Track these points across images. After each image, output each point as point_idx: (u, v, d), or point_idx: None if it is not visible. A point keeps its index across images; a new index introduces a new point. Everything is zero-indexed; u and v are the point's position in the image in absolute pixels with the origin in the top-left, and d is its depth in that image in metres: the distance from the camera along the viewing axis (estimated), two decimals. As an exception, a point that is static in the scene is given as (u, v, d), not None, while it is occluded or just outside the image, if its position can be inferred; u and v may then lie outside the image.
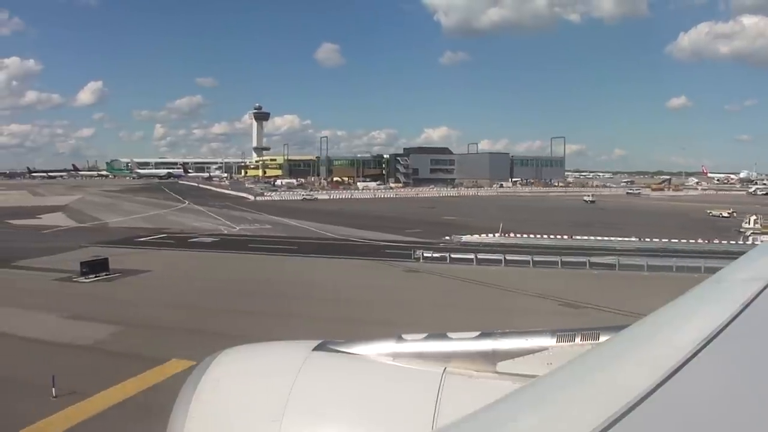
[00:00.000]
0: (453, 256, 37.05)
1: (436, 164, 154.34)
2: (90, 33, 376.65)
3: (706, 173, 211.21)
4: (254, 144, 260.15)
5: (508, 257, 35.77)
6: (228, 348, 2.65)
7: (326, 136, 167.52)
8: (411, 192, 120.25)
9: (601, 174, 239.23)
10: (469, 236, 49.04)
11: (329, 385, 2.33)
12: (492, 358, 2.28)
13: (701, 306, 1.92)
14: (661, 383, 1.20)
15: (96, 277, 29.78)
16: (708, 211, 74.07)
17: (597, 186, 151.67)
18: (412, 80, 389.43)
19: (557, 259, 35.87)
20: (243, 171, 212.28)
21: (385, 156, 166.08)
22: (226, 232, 51.57)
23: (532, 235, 48.77)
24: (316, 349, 2.50)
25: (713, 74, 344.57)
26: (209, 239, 46.25)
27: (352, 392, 2.29)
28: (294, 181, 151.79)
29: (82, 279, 29.31)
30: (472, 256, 36.72)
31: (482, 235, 49.37)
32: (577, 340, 2.24)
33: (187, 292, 27.15)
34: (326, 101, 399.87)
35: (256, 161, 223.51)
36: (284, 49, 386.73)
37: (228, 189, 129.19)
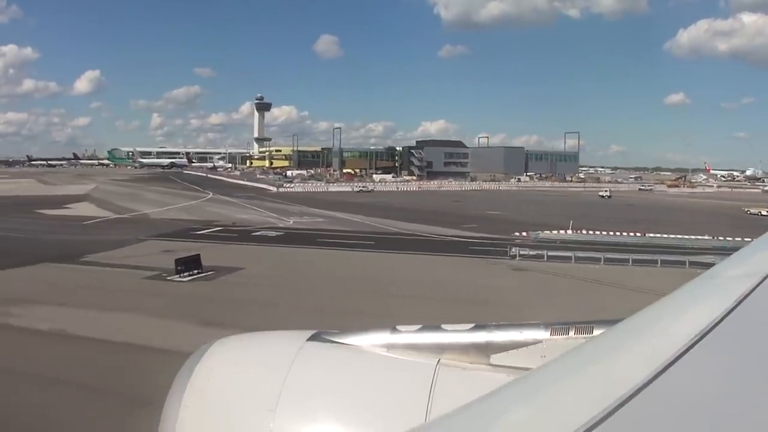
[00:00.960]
0: (550, 253, 35.34)
1: (449, 157, 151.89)
2: (88, 22, 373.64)
3: (709, 170, 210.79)
4: (255, 134, 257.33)
5: (598, 255, 34.19)
6: (223, 337, 2.61)
7: (339, 128, 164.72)
8: (432, 185, 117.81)
9: (600, 169, 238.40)
10: (540, 233, 47.29)
11: (323, 375, 2.32)
12: (486, 350, 2.26)
13: (695, 301, 1.91)
14: (655, 376, 1.20)
15: (190, 275, 27.30)
16: (745, 210, 72.68)
17: (609, 181, 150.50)
18: (410, 73, 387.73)
19: (656, 258, 34.41)
20: (248, 161, 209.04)
21: (397, 148, 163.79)
22: (281, 225, 49.02)
23: (602, 233, 47.10)
24: (310, 339, 2.47)
25: (712, 71, 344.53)
26: (273, 233, 43.66)
27: (346, 383, 2.27)
28: (305, 172, 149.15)
29: (177, 278, 26.81)
30: (569, 254, 35.16)
31: (553, 231, 47.75)
32: (571, 333, 2.24)
33: (304, 292, 24.70)
34: (324, 93, 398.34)
35: (261, 152, 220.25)
36: (283, 40, 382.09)
37: (242, 179, 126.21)
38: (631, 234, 46.98)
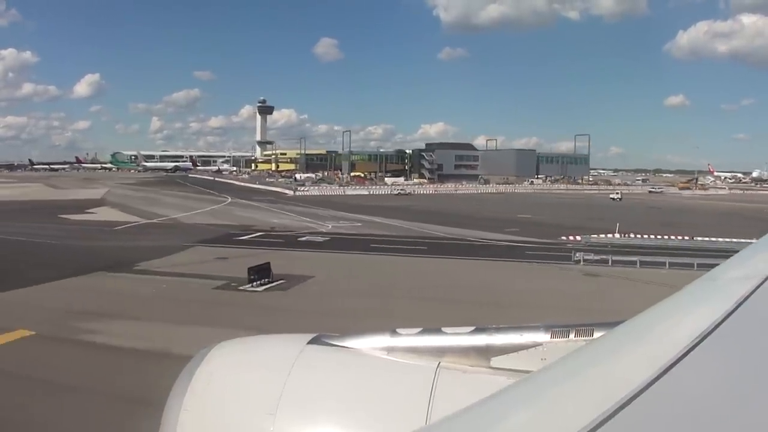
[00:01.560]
0: (614, 258, 34.07)
1: (460, 160, 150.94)
2: (87, 25, 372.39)
3: (713, 172, 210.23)
4: (258, 138, 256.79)
5: (662, 259, 32.91)
6: (223, 341, 2.60)
7: (348, 131, 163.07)
8: (447, 187, 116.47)
9: (602, 171, 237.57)
10: (590, 237, 46.06)
11: (323, 378, 2.32)
12: (486, 353, 2.26)
13: (695, 303, 1.91)
14: (656, 379, 1.20)
15: (261, 284, 25.78)
16: None
17: (619, 184, 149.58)
18: (410, 76, 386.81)
19: (718, 262, 33.23)
20: (253, 165, 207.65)
21: (407, 151, 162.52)
22: (323, 230, 47.45)
23: (648, 236, 45.88)
24: (310, 342, 2.46)
25: (711, 73, 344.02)
26: (319, 238, 42.02)
27: (346, 386, 2.27)
28: (313, 175, 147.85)
29: (249, 287, 25.26)
30: (633, 258, 33.87)
31: (600, 235, 46.51)
32: (571, 336, 2.23)
33: (394, 301, 23.12)
34: (324, 96, 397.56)
35: (265, 155, 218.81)
36: (282, 43, 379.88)
37: (252, 183, 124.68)
38: (678, 237, 45.86)
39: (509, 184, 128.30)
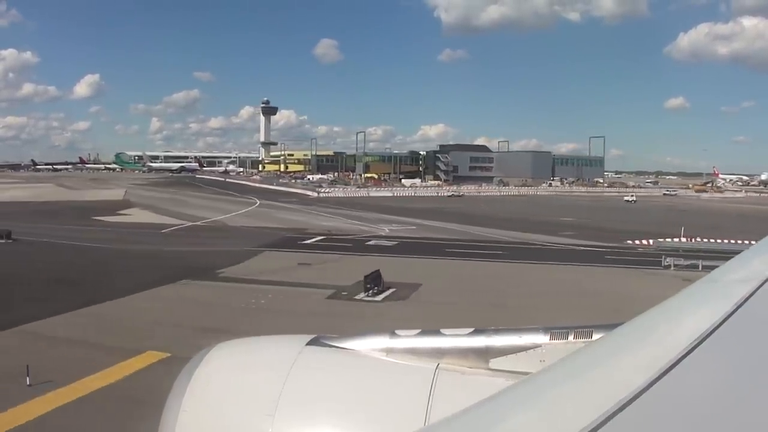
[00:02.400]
0: (704, 263, 32.35)
1: (474, 162, 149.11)
2: (87, 26, 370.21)
3: (717, 174, 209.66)
4: (261, 139, 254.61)
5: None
6: (222, 342, 2.60)
7: (363, 132, 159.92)
8: (469, 189, 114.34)
9: (605, 174, 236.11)
10: (661, 241, 44.37)
11: (322, 379, 2.31)
12: (485, 354, 2.26)
13: (695, 305, 1.91)
14: (655, 381, 1.21)
15: (375, 293, 23.72)
16: None
17: (633, 186, 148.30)
18: (410, 77, 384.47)
19: None
20: (260, 165, 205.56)
21: (421, 153, 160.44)
22: (381, 234, 45.28)
23: (714, 240, 44.11)
24: (309, 343, 2.45)
25: (712, 75, 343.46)
26: (386, 243, 39.84)
27: (345, 387, 2.26)
28: (325, 176, 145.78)
29: (365, 296, 23.19)
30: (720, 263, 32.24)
31: (667, 239, 44.79)
32: (570, 337, 2.23)
33: (517, 311, 21.13)
34: (324, 97, 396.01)
35: (272, 156, 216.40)
36: (282, 44, 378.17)
37: (266, 184, 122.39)
38: (745, 242, 44.29)
39: (528, 186, 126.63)
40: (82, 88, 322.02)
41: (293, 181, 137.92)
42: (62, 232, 42.20)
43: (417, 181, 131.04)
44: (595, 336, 2.16)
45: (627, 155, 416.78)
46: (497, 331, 2.35)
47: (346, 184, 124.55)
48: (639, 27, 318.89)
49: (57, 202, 75.17)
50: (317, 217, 57.54)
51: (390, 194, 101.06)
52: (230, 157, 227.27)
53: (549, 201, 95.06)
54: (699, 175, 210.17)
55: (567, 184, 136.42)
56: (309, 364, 2.33)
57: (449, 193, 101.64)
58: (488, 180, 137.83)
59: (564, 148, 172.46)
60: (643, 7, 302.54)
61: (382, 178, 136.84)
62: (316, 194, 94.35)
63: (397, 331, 2.43)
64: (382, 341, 2.40)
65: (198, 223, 51.57)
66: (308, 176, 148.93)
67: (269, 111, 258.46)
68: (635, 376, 1.22)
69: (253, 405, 2.22)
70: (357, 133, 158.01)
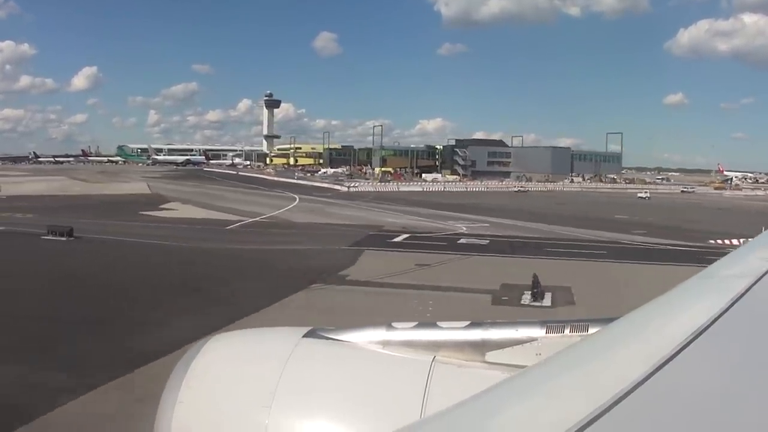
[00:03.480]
0: None
1: (492, 157, 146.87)
2: (85, 18, 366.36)
3: (722, 171, 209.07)
4: (264, 132, 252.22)
5: None
6: (218, 334, 2.62)
7: (381, 125, 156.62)
8: (497, 185, 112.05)
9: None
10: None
11: (318, 371, 2.32)
12: (481, 347, 2.27)
13: (691, 300, 1.91)
14: (651, 375, 1.21)
15: (536, 298, 21.44)
16: None
17: (648, 183, 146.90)
18: (408, 71, 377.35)
19: None
20: (268, 159, 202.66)
21: (437, 147, 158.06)
22: (462, 231, 42.71)
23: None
24: (306, 335, 2.45)
25: (711, 72, 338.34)
26: (478, 242, 37.12)
27: (341, 379, 2.28)
28: (340, 170, 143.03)
29: (531, 302, 20.97)
30: None
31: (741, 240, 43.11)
32: (567, 331, 2.23)
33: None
34: (321, 90, 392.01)
35: (280, 149, 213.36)
36: (281, 37, 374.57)
37: (284, 177, 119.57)
38: None
39: (551, 182, 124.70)
40: (80, 81, 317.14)
41: (308, 174, 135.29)
42: (118, 228, 39.42)
43: (438, 176, 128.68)
44: (592, 330, 2.13)
45: (626, 152, 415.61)
46: (494, 324, 2.33)
47: (364, 179, 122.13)
48: (640, 22, 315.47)
49: (86, 195, 72.03)
50: (375, 213, 55.03)
51: (419, 189, 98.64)
52: (235, 151, 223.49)
53: (582, 197, 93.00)
54: (706, 172, 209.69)
55: (588, 180, 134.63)
56: (305, 356, 2.31)
57: (516, 189, 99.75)
58: (505, 175, 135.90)
59: (562, 143, 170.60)
60: (643, 3, 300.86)
61: (400, 173, 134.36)
62: (345, 189, 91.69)
63: (393, 324, 2.40)
64: (379, 333, 2.36)
65: (257, 219, 48.77)
66: (322, 170, 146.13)
67: (272, 104, 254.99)
68: (631, 369, 1.22)
69: (250, 397, 2.20)
70: (373, 126, 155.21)
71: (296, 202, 65.14)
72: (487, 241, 37.55)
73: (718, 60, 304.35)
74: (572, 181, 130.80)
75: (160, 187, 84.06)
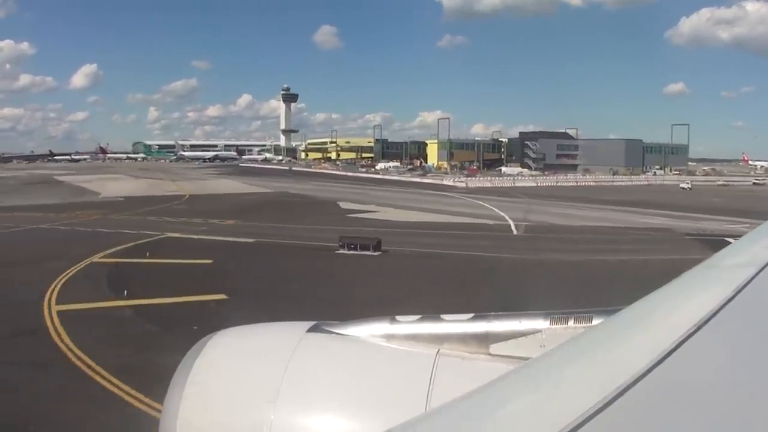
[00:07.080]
0: None
1: (561, 149, 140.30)
2: (84, 15, 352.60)
3: (747, 161, 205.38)
4: (282, 126, 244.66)
5: None
6: (223, 329, 2.61)
7: (447, 118, 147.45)
8: (589, 179, 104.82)
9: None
10: None
11: (323, 366, 2.31)
12: (485, 340, 2.26)
13: (695, 290, 1.90)
14: (655, 365, 1.21)
15: None
16: None
17: (707, 173, 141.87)
18: (409, 63, 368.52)
19: None
20: (304, 153, 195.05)
21: (502, 140, 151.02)
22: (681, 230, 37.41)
23: None
24: (310, 330, 2.45)
25: (712, 60, 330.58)
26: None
27: (346, 373, 2.28)
28: (391, 164, 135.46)
29: None
30: None
31: None
32: (570, 322, 2.22)
33: None
34: (322, 84, 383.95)
35: (311, 144, 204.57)
36: (281, 31, 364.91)
37: (357, 173, 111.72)
38: None
39: (633, 174, 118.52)
40: (79, 79, 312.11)
41: (372, 169, 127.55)
42: (408, 239, 31.65)
43: (523, 170, 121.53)
44: (595, 321, 2.13)
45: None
46: (497, 316, 2.31)
47: (427, 171, 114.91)
48: (641, 11, 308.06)
49: (216, 195, 62.51)
50: (611, 213, 47.73)
51: (533, 184, 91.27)
52: (264, 145, 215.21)
53: (682, 191, 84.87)
54: (732, 161, 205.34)
55: (669, 173, 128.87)
56: (310, 351, 2.30)
57: (754, 180, 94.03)
58: (573, 168, 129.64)
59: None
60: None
61: (474, 167, 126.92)
62: (463, 184, 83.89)
63: (397, 317, 2.38)
64: (383, 327, 2.35)
65: (524, 223, 40.48)
66: (379, 164, 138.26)
67: (290, 98, 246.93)
68: (636, 360, 1.21)
69: (255, 392, 2.20)
70: (439, 120, 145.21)
71: (494, 203, 55.59)
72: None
73: (719, 48, 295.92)
74: (654, 173, 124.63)
75: (276, 186, 74.57)
